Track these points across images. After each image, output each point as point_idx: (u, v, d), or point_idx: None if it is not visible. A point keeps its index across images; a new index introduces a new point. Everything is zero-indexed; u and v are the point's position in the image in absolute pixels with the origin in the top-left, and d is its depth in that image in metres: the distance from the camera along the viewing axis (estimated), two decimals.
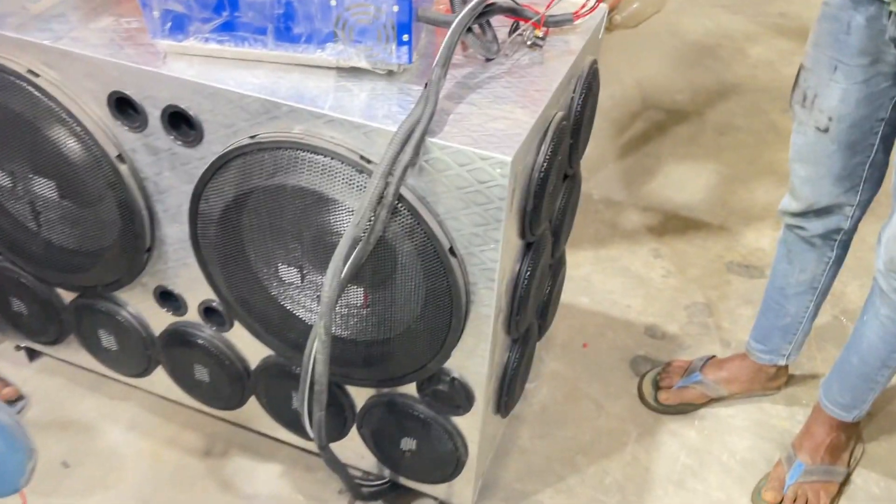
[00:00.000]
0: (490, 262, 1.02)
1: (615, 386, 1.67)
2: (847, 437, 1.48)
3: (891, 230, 1.19)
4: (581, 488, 1.46)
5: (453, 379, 1.18)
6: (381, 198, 0.95)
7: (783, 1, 3.46)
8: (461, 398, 1.19)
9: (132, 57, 1.06)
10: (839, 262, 1.42)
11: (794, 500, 1.42)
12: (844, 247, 1.40)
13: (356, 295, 1.11)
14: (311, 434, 1.15)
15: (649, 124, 2.57)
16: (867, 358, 1.34)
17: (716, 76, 2.87)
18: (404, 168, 0.94)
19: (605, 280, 1.94)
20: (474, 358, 1.15)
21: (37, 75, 1.10)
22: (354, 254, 0.98)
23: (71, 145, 1.13)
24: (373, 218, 0.96)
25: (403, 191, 0.98)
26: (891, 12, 1.05)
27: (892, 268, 1.21)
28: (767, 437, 1.58)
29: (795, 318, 1.50)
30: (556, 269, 1.47)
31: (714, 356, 1.67)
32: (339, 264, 0.97)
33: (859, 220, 1.35)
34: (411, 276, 1.05)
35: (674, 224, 2.14)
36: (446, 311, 1.07)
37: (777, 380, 1.64)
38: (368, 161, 0.98)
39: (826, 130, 1.21)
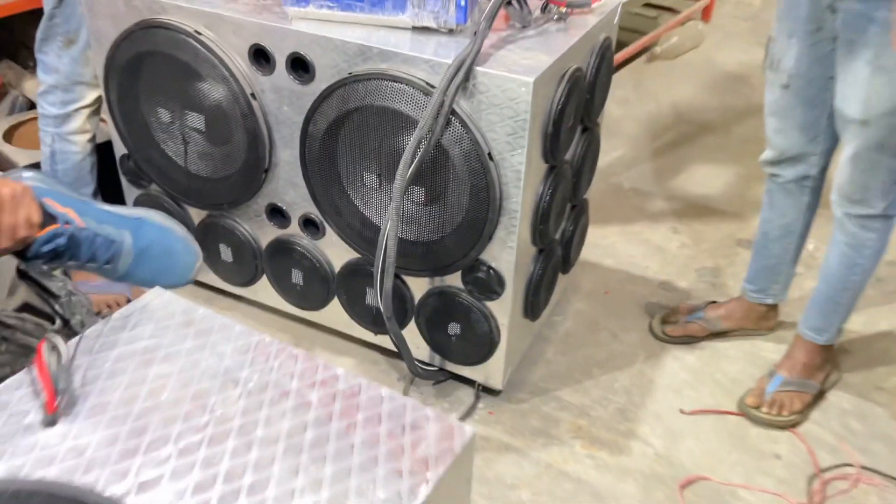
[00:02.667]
0: (517, 164, 1.40)
1: (630, 322, 1.99)
2: (821, 360, 1.76)
3: (839, 164, 1.51)
4: (594, 389, 1.78)
5: (489, 268, 1.54)
6: (439, 109, 1.34)
7: None
8: (495, 284, 1.55)
9: (269, 18, 1.50)
10: (812, 208, 1.73)
11: (772, 404, 1.70)
12: (815, 193, 1.71)
13: (418, 196, 1.49)
14: (381, 304, 1.53)
15: (680, 135, 2.92)
16: (831, 281, 1.64)
17: (745, 99, 3.21)
18: (456, 87, 1.33)
19: (628, 248, 2.27)
20: (505, 250, 1.51)
21: (200, 34, 1.55)
22: (419, 153, 1.37)
23: (219, 86, 1.57)
24: (433, 125, 1.35)
25: (456, 108, 1.36)
26: None
27: (841, 193, 1.52)
28: (756, 365, 1.87)
29: (779, 259, 1.81)
30: (579, 213, 1.82)
31: (715, 301, 1.98)
32: (407, 159, 1.37)
33: (825, 168, 1.67)
34: (459, 176, 1.43)
35: (693, 209, 2.46)
36: (485, 204, 1.44)
37: (768, 320, 1.93)
38: (432, 87, 1.38)
39: (787, 87, 1.56)
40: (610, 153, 2.75)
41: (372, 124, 1.46)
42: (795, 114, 1.58)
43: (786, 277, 1.84)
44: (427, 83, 1.38)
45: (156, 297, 1.09)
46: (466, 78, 1.34)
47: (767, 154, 1.69)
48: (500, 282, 1.55)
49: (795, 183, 1.69)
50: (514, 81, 1.32)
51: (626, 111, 3.06)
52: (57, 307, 1.27)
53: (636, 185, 2.59)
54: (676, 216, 2.43)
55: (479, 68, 1.34)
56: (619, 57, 3.14)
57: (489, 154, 1.40)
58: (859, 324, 1.98)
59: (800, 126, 1.59)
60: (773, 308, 1.92)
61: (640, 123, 2.98)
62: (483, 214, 1.45)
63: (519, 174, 1.41)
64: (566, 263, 1.84)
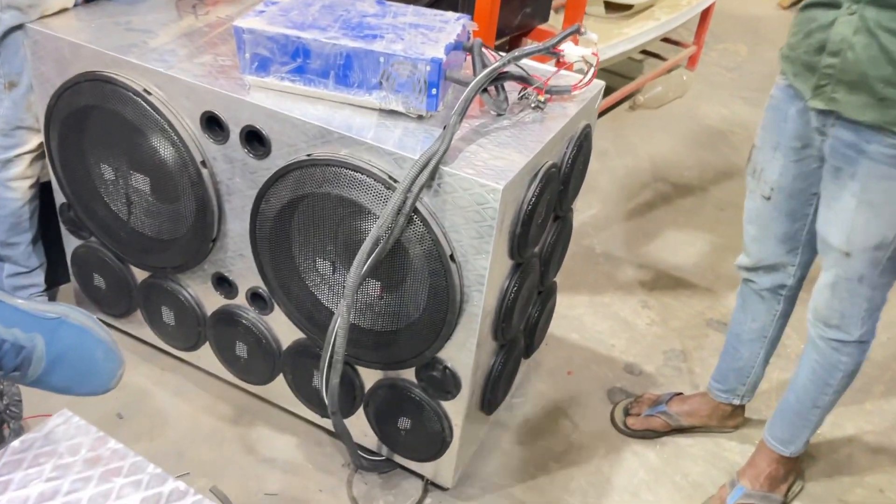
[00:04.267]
0: (481, 269, 1.30)
1: (591, 409, 1.91)
2: (786, 471, 1.69)
3: (817, 285, 1.44)
4: (549, 488, 1.69)
5: (445, 367, 1.44)
6: (400, 208, 1.24)
7: None
8: (450, 384, 1.45)
9: (224, 86, 1.38)
10: (785, 315, 1.66)
11: None
12: (790, 302, 1.64)
13: (374, 288, 1.39)
14: (326, 401, 1.42)
15: (656, 195, 2.85)
16: (801, 397, 1.57)
17: (724, 158, 3.15)
18: (420, 187, 1.23)
19: (595, 321, 2.19)
20: (464, 351, 1.41)
21: (149, 93, 1.43)
22: (376, 251, 1.27)
23: (167, 149, 1.45)
24: (392, 223, 1.25)
25: (419, 206, 1.26)
26: (812, 108, 1.32)
27: (817, 316, 1.45)
28: (719, 467, 1.79)
29: (748, 362, 1.73)
30: (546, 297, 1.73)
31: (681, 393, 1.90)
32: (363, 256, 1.26)
33: (802, 278, 1.60)
34: (419, 275, 1.33)
35: (664, 281, 2.39)
36: (444, 306, 1.34)
37: (734, 419, 1.86)
38: (395, 180, 1.28)
39: (769, 198, 1.48)
40: (584, 211, 2.67)
41: (328, 211, 1.35)
42: (775, 225, 1.51)
43: (755, 379, 1.77)
44: (390, 176, 1.28)
45: (62, 423, 0.98)
46: (432, 177, 1.24)
47: (743, 260, 1.61)
48: (456, 383, 1.45)
49: (770, 291, 1.61)
50: (482, 186, 1.22)
51: (603, 164, 2.98)
52: None
53: (608, 248, 2.51)
54: (647, 288, 2.35)
55: (446, 168, 1.24)
56: (602, 104, 3.09)
57: (451, 256, 1.30)
58: (825, 425, 1.91)
59: (779, 237, 1.52)
60: (740, 407, 1.85)
61: (616, 179, 2.91)
62: (441, 315, 1.35)
63: (482, 277, 1.31)
64: (529, 349, 1.75)
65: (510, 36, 2.17)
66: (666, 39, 3.69)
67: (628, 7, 2.96)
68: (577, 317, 2.20)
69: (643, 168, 3.01)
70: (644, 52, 3.67)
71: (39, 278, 1.85)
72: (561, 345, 2.09)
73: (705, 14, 3.70)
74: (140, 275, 1.73)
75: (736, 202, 2.85)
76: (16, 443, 0.93)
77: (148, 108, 1.43)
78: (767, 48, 4.34)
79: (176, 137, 1.43)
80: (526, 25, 2.19)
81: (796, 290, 1.61)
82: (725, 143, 3.27)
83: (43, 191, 1.78)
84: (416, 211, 1.27)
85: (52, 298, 1.99)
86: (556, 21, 2.32)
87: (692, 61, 3.90)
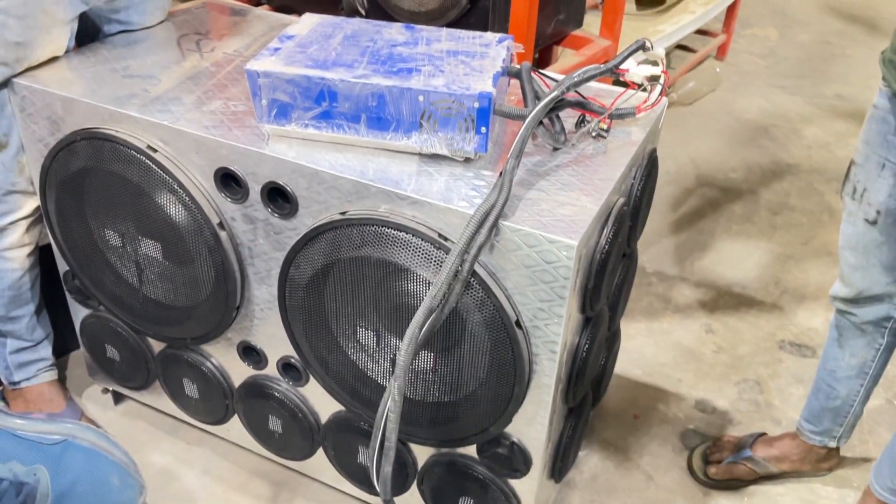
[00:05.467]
0: (553, 335, 1.11)
1: (665, 458, 1.71)
2: None
3: None
4: None
5: (513, 443, 1.25)
6: (456, 273, 1.05)
7: (840, 83, 3.53)
8: (519, 462, 1.26)
9: (239, 138, 1.20)
10: (890, 349, 1.46)
11: None
12: (895, 334, 1.44)
13: (427, 359, 1.20)
14: (378, 488, 1.23)
15: (703, 201, 2.64)
16: None
17: (770, 156, 2.94)
18: (479, 247, 1.04)
19: (657, 353, 1.99)
20: (534, 425, 1.22)
21: (154, 150, 1.25)
22: (429, 322, 1.08)
23: (179, 212, 1.27)
24: (448, 291, 1.06)
25: (476, 267, 1.07)
26: None
27: None
28: None
29: (846, 400, 1.53)
30: (612, 341, 1.54)
31: (764, 433, 1.70)
32: (415, 331, 1.07)
33: None
34: (479, 345, 1.14)
35: (726, 300, 2.19)
36: (510, 379, 1.15)
37: (828, 461, 1.66)
38: (445, 239, 1.09)
39: (875, 223, 1.28)
40: None
41: (369, 275, 1.16)
42: (882, 252, 1.30)
43: (853, 419, 1.57)
44: (440, 234, 1.09)
45: None
46: (490, 234, 1.05)
47: (841, 290, 1.41)
48: (526, 460, 1.26)
49: (874, 324, 1.41)
50: (553, 243, 1.03)
51: None
52: None
53: (659, 267, 2.31)
54: (708, 309, 2.15)
55: (506, 223, 1.05)
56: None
57: (517, 322, 1.11)
58: None
59: (886, 265, 1.32)
60: (835, 449, 1.64)
61: (658, 187, 2.67)
62: (508, 389, 1.16)
63: (555, 344, 1.12)
64: (595, 399, 1.56)
65: (542, 46, 1.98)
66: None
67: (661, 2, 2.75)
68: (637, 349, 2.00)
69: (686, 172, 2.80)
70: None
71: (46, 351, 1.67)
72: (623, 384, 1.89)
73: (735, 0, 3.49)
74: (157, 345, 1.55)
75: (790, 204, 2.65)
76: None
77: (154, 167, 1.25)
78: (798, 30, 4.11)
79: (188, 198, 1.25)
80: (560, 33, 2.00)
81: None
82: (768, 138, 3.06)
83: (46, 253, 1.60)
84: (473, 273, 1.08)
85: (61, 367, 1.82)
86: (588, 25, 2.12)
87: (722, 50, 3.69)
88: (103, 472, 0.91)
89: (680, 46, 3.52)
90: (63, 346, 1.82)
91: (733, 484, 1.64)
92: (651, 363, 1.96)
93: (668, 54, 3.55)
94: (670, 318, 2.11)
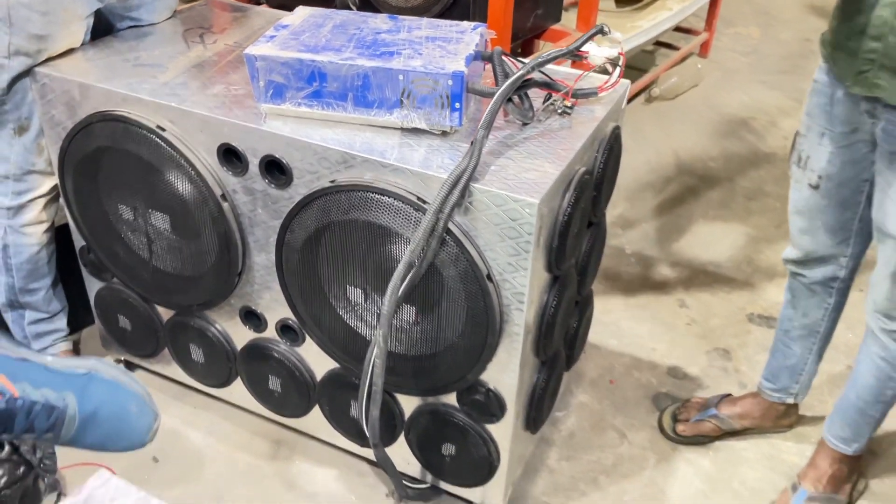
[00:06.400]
0: (520, 286, 1.24)
1: (638, 418, 1.84)
2: (849, 470, 1.61)
3: (875, 276, 1.37)
4: None
5: (488, 390, 1.38)
6: (433, 230, 1.19)
7: None
8: (495, 407, 1.39)
9: (240, 116, 1.33)
10: (838, 308, 1.59)
11: None
12: (842, 294, 1.57)
13: (409, 314, 1.34)
14: (367, 432, 1.37)
15: (683, 188, 2.78)
16: (863, 394, 1.50)
17: (748, 146, 3.07)
18: (452, 206, 1.17)
19: (633, 325, 2.12)
20: (507, 372, 1.35)
21: (163, 130, 1.38)
22: (409, 276, 1.22)
23: (185, 186, 1.41)
24: (425, 247, 1.20)
25: (451, 226, 1.21)
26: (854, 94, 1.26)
27: (877, 308, 1.38)
28: (777, 470, 1.72)
29: (801, 359, 1.66)
30: (584, 306, 1.67)
31: (730, 394, 1.83)
32: (396, 283, 1.21)
33: (854, 269, 1.53)
34: (455, 298, 1.27)
35: (701, 278, 2.32)
36: (483, 329, 1.28)
37: (787, 418, 1.78)
38: (424, 201, 1.22)
39: (817, 187, 1.41)
40: (610, 211, 2.58)
41: (356, 238, 1.30)
42: (825, 215, 1.43)
43: (808, 377, 1.69)
44: (419, 198, 1.23)
45: (101, 486, 0.94)
46: (463, 195, 1.19)
47: (791, 253, 1.54)
48: (501, 405, 1.39)
49: (821, 284, 1.54)
50: (516, 202, 1.16)
51: (624, 161, 2.86)
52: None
53: (639, 248, 2.44)
54: (683, 286, 2.28)
55: (476, 185, 1.18)
56: None
57: (488, 275, 1.24)
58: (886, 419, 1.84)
59: (829, 228, 1.45)
60: (794, 406, 1.77)
61: (639, 176, 2.84)
62: (482, 338, 1.30)
63: (522, 295, 1.25)
64: (570, 361, 1.68)
65: (523, 39, 2.11)
66: (677, 28, 3.62)
67: None
68: (614, 322, 2.13)
69: (666, 162, 2.93)
70: (655, 42, 3.60)
71: (62, 323, 1.81)
72: (600, 353, 2.02)
73: None
74: (166, 314, 1.69)
75: (765, 191, 2.78)
76: None
77: (163, 144, 1.38)
78: (781, 29, 4.25)
79: (193, 172, 1.39)
80: (539, 27, 2.14)
81: (849, 281, 1.54)
82: (748, 130, 3.20)
83: (63, 234, 1.74)
84: (448, 232, 1.21)
85: (76, 342, 1.95)
86: (566, 20, 2.26)
87: (705, 48, 3.82)
88: (123, 400, 1.04)
89: (664, 44, 3.67)
90: (78, 322, 1.95)
91: (700, 440, 1.77)
92: (627, 334, 2.09)
93: (651, 52, 3.69)
94: (647, 295, 2.24)
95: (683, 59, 3.57)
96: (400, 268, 1.21)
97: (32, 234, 1.65)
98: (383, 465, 1.43)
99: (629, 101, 3.35)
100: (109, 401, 1.03)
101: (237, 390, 1.72)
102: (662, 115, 3.29)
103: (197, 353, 1.69)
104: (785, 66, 3.80)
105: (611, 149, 1.45)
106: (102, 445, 1.03)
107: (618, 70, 1.40)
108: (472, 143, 1.21)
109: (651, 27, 2.86)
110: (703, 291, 2.26)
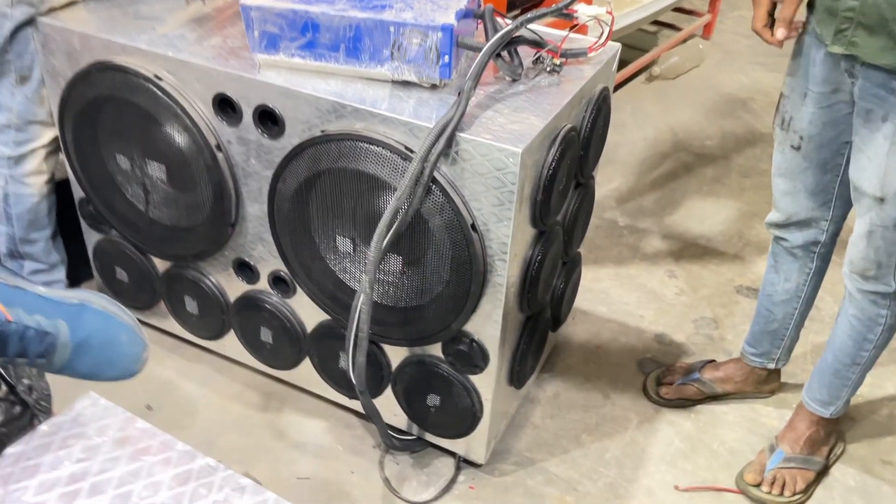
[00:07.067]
0: (504, 237, 1.27)
1: (622, 381, 1.88)
2: (826, 433, 1.65)
3: (852, 237, 1.40)
4: (583, 460, 1.67)
5: (472, 340, 1.42)
6: (418, 178, 1.22)
7: None
8: (478, 358, 1.43)
9: (235, 66, 1.36)
10: (820, 273, 1.62)
11: (773, 483, 1.59)
12: (824, 259, 1.59)
13: (396, 264, 1.37)
14: (353, 378, 1.40)
15: (678, 164, 2.80)
16: (839, 356, 1.53)
17: (746, 126, 3.09)
18: (437, 155, 1.21)
19: (622, 294, 2.15)
20: (490, 323, 1.39)
21: (160, 79, 1.42)
22: (396, 223, 1.25)
23: (181, 136, 1.44)
24: (411, 194, 1.23)
25: (437, 175, 1.24)
26: (832, 52, 1.28)
27: (853, 269, 1.41)
28: (756, 433, 1.76)
29: (782, 324, 1.69)
30: (571, 268, 1.70)
31: (713, 360, 1.86)
32: (383, 230, 1.24)
33: (835, 234, 1.55)
34: (441, 247, 1.30)
35: (691, 250, 2.35)
36: (468, 277, 1.32)
37: (769, 384, 1.82)
38: (411, 151, 1.25)
39: (799, 149, 1.44)
40: (605, 184, 2.63)
41: (346, 187, 1.33)
42: (806, 177, 1.46)
43: (790, 342, 1.72)
44: (406, 147, 1.26)
45: (89, 406, 0.97)
46: (449, 144, 1.22)
47: (773, 216, 1.57)
48: (484, 356, 1.42)
49: (803, 248, 1.57)
50: (500, 151, 1.19)
51: (622, 137, 2.94)
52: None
53: (631, 221, 2.47)
54: (674, 258, 2.31)
55: (462, 135, 1.21)
56: (617, 77, 3.03)
57: (472, 225, 1.27)
58: (864, 386, 1.85)
59: (810, 190, 1.47)
60: (775, 372, 1.80)
61: (636, 151, 2.86)
62: (466, 287, 1.33)
63: (505, 246, 1.28)
64: (556, 323, 1.72)
65: (522, 7, 2.13)
66: (680, 9, 3.63)
67: None
68: (604, 290, 2.16)
69: (664, 139, 2.95)
70: (657, 22, 3.61)
71: (61, 274, 1.85)
72: (588, 319, 2.06)
73: None
74: (162, 265, 1.72)
75: (760, 168, 2.80)
76: (43, 426, 0.92)
77: (160, 93, 1.42)
78: None
79: (189, 122, 1.42)
80: None
81: (830, 246, 1.57)
82: (746, 111, 3.21)
83: (63, 189, 1.78)
84: (434, 180, 1.24)
85: None
86: None
87: (707, 30, 3.83)
88: (114, 330, 1.08)
89: (666, 25, 3.68)
90: (77, 277, 1.98)
91: (682, 403, 1.80)
92: (616, 302, 2.12)
93: (654, 33, 3.70)
94: (637, 265, 2.27)
95: (685, 40, 3.58)
96: (386, 214, 1.24)
97: (33, 185, 1.69)
98: (370, 413, 1.46)
99: (629, 80, 3.37)
100: (101, 329, 1.06)
101: (230, 343, 1.76)
102: (662, 93, 3.31)
103: (191, 305, 1.73)
104: (785, 49, 3.77)
105: (599, 109, 1.47)
106: (94, 373, 1.06)
107: (607, 30, 1.43)
108: (458, 94, 1.24)
109: (650, 3, 2.87)
110: (693, 263, 2.29)
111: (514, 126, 1.24)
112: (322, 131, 1.32)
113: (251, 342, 1.71)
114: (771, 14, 1.34)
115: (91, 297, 1.10)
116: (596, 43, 1.45)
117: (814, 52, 1.35)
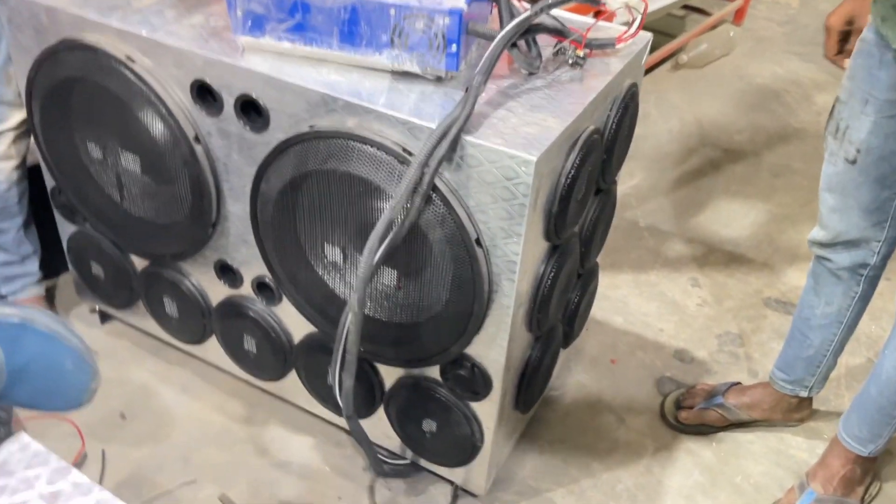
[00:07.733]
0: (512, 254, 1.12)
1: (638, 402, 1.72)
2: (863, 472, 1.49)
3: None
4: (592, 492, 1.52)
5: (473, 365, 1.27)
6: (416, 186, 1.06)
7: None
8: (479, 384, 1.28)
9: (215, 50, 1.21)
10: (866, 298, 1.45)
11: None
12: (871, 283, 1.43)
13: (390, 278, 1.22)
14: (340, 402, 1.26)
15: (705, 161, 2.62)
16: (885, 391, 1.37)
17: (778, 120, 2.90)
18: (439, 160, 1.05)
19: (641, 303, 2.00)
20: (494, 347, 1.23)
21: (133, 61, 1.26)
22: (390, 236, 1.09)
23: (156, 125, 1.28)
24: (408, 204, 1.07)
25: (438, 182, 1.08)
26: None
27: None
28: (783, 466, 1.60)
29: (819, 350, 1.53)
30: (587, 280, 1.54)
31: (738, 382, 1.71)
32: (374, 243, 1.09)
33: (887, 256, 1.39)
34: (440, 263, 1.15)
35: (716, 256, 2.18)
36: (470, 297, 1.16)
37: (799, 412, 1.66)
38: (409, 153, 1.09)
39: (854, 162, 1.27)
40: (626, 181, 2.45)
41: (335, 191, 1.17)
42: (861, 193, 1.29)
43: (826, 370, 1.56)
44: (404, 149, 1.10)
45: (17, 452, 0.83)
46: (453, 148, 1.06)
47: (819, 234, 1.40)
48: (486, 382, 1.27)
49: (849, 270, 1.40)
50: (512, 158, 1.03)
51: (645, 129, 2.75)
52: None
53: (653, 222, 2.30)
54: (697, 264, 2.14)
55: (469, 138, 1.05)
56: None
57: (477, 240, 1.11)
58: None
59: (864, 208, 1.30)
60: (807, 400, 1.65)
61: (660, 145, 2.68)
62: (467, 308, 1.18)
63: (514, 265, 1.13)
64: (568, 338, 1.57)
65: None
66: None
67: None
68: (621, 298, 2.00)
69: (690, 132, 2.77)
70: (686, 6, 3.40)
71: (33, 266, 1.71)
72: (603, 330, 1.90)
73: None
74: (140, 263, 1.58)
75: (793, 167, 2.62)
76: None
77: (132, 77, 1.26)
78: None
79: (165, 110, 1.26)
80: None
81: (880, 269, 1.40)
82: (779, 104, 3.02)
83: (38, 174, 1.63)
84: (434, 189, 1.08)
85: (51, 288, 1.86)
86: None
87: (739, 16, 3.62)
88: (58, 355, 0.94)
89: (695, 9, 3.47)
90: (53, 268, 1.85)
91: (703, 429, 1.65)
92: (634, 312, 1.96)
93: (682, 18, 3.50)
94: (658, 272, 2.11)
95: (715, 25, 3.37)
96: (379, 226, 1.08)
97: (1, 171, 1.54)
98: (358, 439, 1.32)
99: (655, 67, 3.18)
100: (42, 355, 0.92)
101: (212, 348, 1.62)
102: (689, 83, 3.12)
103: (171, 307, 1.58)
104: (822, 38, 3.59)
105: (626, 108, 1.31)
106: (33, 403, 0.93)
107: (639, 19, 1.26)
108: (466, 90, 1.07)
109: None
110: (718, 271, 2.13)
111: (529, 128, 1.08)
112: (310, 126, 1.16)
113: (234, 350, 1.57)
114: (843, 41, 1.17)
115: (35, 315, 0.95)
116: (626, 32, 1.28)
117: (880, 53, 1.18)
